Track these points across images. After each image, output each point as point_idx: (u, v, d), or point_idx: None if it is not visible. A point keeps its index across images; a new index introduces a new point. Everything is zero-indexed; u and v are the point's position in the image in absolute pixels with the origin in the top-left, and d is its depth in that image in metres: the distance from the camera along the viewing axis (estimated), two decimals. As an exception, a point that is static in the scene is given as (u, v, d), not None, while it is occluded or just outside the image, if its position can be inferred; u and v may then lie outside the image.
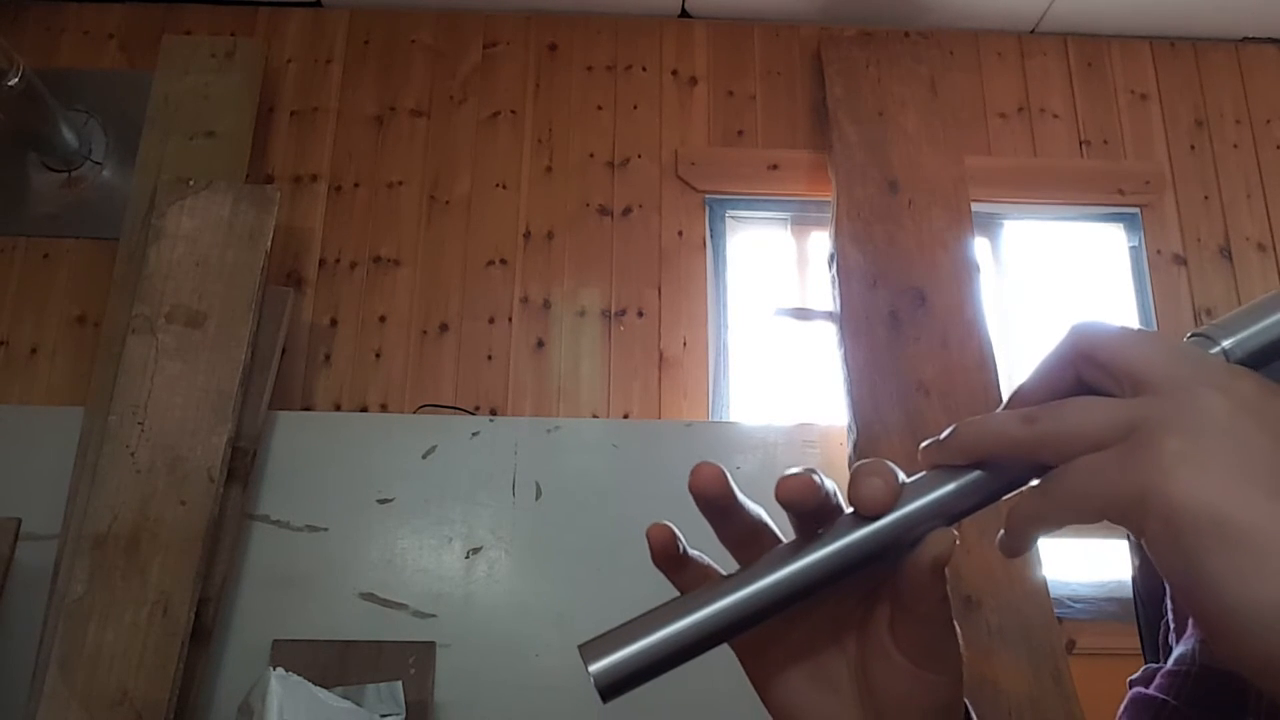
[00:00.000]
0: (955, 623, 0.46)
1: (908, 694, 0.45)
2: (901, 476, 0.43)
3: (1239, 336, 0.41)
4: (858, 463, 0.44)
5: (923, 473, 0.43)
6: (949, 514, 0.42)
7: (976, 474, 0.42)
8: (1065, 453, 0.38)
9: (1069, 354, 0.42)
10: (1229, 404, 0.36)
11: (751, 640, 0.47)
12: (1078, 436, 0.38)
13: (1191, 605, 0.35)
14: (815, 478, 0.43)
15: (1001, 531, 0.42)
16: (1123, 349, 0.40)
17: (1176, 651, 0.55)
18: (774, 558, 0.43)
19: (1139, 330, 0.41)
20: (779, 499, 0.43)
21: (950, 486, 0.42)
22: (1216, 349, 0.41)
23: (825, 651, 0.48)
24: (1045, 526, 0.40)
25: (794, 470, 0.43)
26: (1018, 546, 0.41)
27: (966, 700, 0.49)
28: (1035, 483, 0.41)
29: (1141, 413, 0.37)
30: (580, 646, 0.42)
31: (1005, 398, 0.45)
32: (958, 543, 0.43)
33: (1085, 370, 0.41)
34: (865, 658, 0.47)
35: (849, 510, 0.43)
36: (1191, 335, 0.43)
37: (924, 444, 0.43)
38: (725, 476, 0.44)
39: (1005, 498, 0.43)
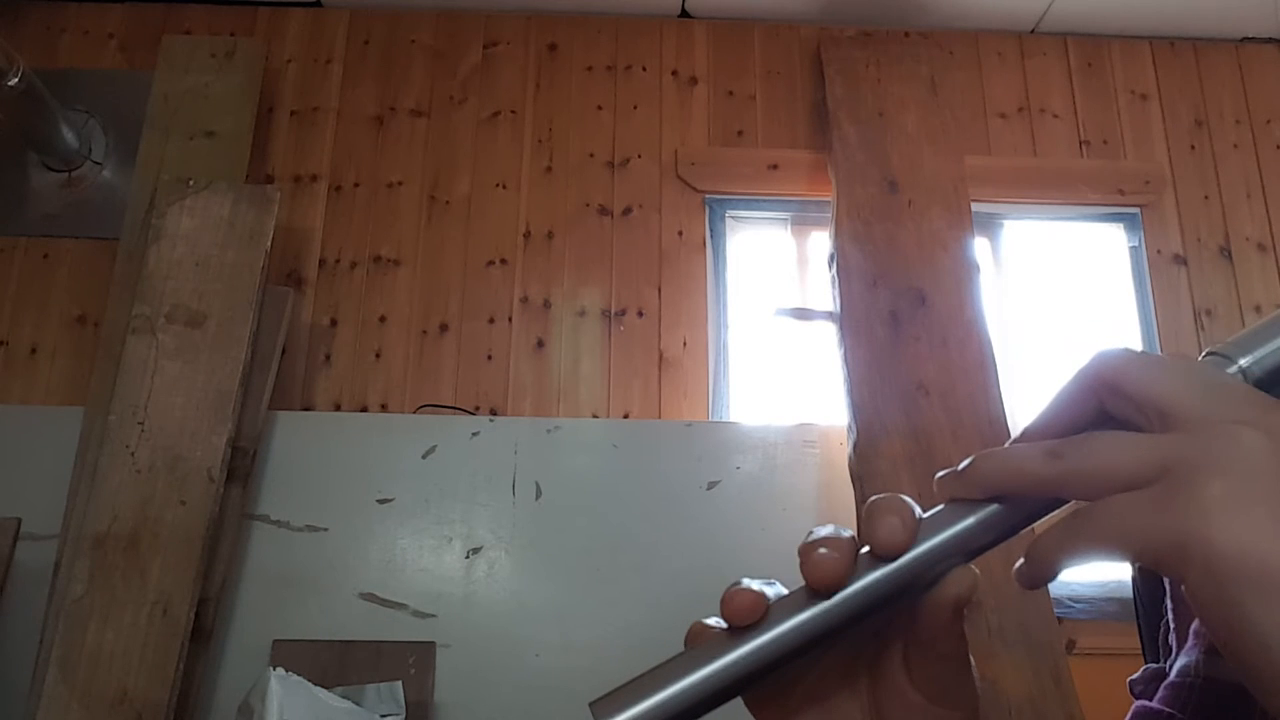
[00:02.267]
0: (971, 657, 0.45)
1: None
2: (918, 512, 0.41)
3: (1257, 355, 0.40)
4: (872, 499, 0.42)
5: (939, 507, 0.42)
6: (968, 550, 0.41)
7: (995, 508, 0.41)
8: (1094, 492, 0.37)
9: (1092, 382, 0.40)
10: (1267, 442, 0.35)
11: (761, 688, 0.46)
12: (1108, 476, 0.36)
13: (1235, 654, 0.34)
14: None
15: (1020, 562, 0.40)
16: (1151, 380, 0.38)
17: (1179, 663, 0.54)
18: (788, 604, 0.42)
19: (1165, 358, 0.39)
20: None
21: (969, 521, 0.41)
22: (1234, 368, 0.40)
23: (837, 694, 0.46)
24: (1071, 563, 0.38)
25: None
26: (1039, 580, 0.39)
27: None
28: (1059, 512, 0.40)
29: (1176, 452, 0.35)
30: (591, 704, 0.40)
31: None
32: (980, 583, 0.41)
33: (1109, 400, 0.39)
34: (879, 697, 0.45)
35: (864, 550, 0.41)
36: (1207, 354, 0.41)
37: (940, 474, 0.42)
38: (762, 601, 0.42)
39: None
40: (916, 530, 0.41)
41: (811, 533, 0.42)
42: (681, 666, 0.41)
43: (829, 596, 0.41)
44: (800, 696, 0.46)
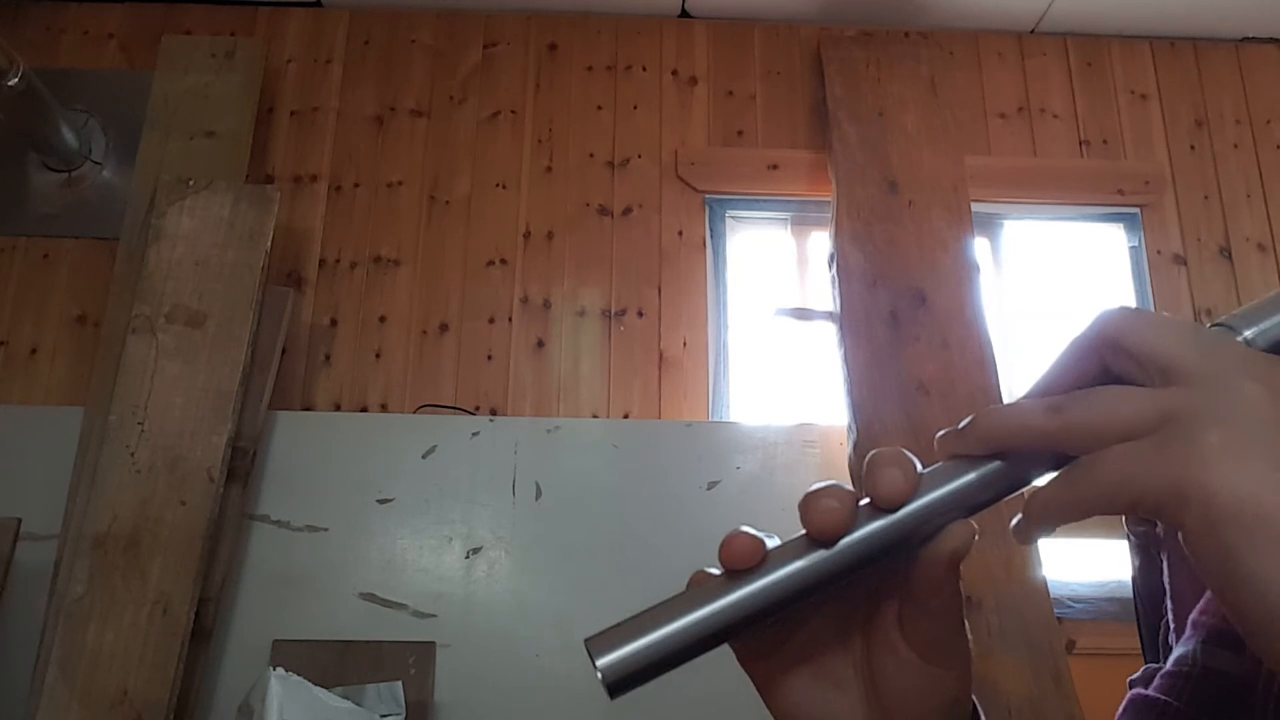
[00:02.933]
0: (965, 617, 0.45)
1: (917, 690, 0.44)
2: (919, 466, 0.42)
3: (1261, 326, 0.41)
4: (873, 451, 0.42)
5: (940, 463, 0.42)
6: (968, 506, 0.41)
7: (997, 464, 0.41)
8: (1094, 443, 0.37)
9: (1095, 341, 0.40)
10: (1268, 394, 0.35)
11: (754, 643, 0.46)
12: (1108, 426, 0.37)
13: (1230, 602, 0.34)
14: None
15: (1018, 517, 0.40)
16: (1153, 336, 0.38)
17: (1176, 652, 0.54)
18: (787, 551, 0.42)
19: (1167, 317, 0.40)
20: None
21: (970, 477, 0.41)
22: (1239, 339, 0.41)
23: (830, 651, 0.47)
24: (1069, 516, 0.38)
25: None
26: (1035, 534, 0.40)
27: (974, 697, 0.48)
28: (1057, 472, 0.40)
29: (1176, 403, 0.36)
30: (586, 641, 0.41)
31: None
32: (977, 536, 0.42)
33: (1112, 358, 0.40)
34: (872, 655, 0.46)
35: (865, 501, 0.42)
36: (1213, 325, 0.42)
37: (941, 433, 0.42)
38: (761, 546, 0.42)
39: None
40: (918, 483, 0.41)
41: (813, 486, 0.42)
42: (678, 607, 0.41)
43: (829, 546, 0.41)
44: (793, 653, 0.47)
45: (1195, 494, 0.34)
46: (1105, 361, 0.40)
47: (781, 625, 0.45)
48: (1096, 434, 0.37)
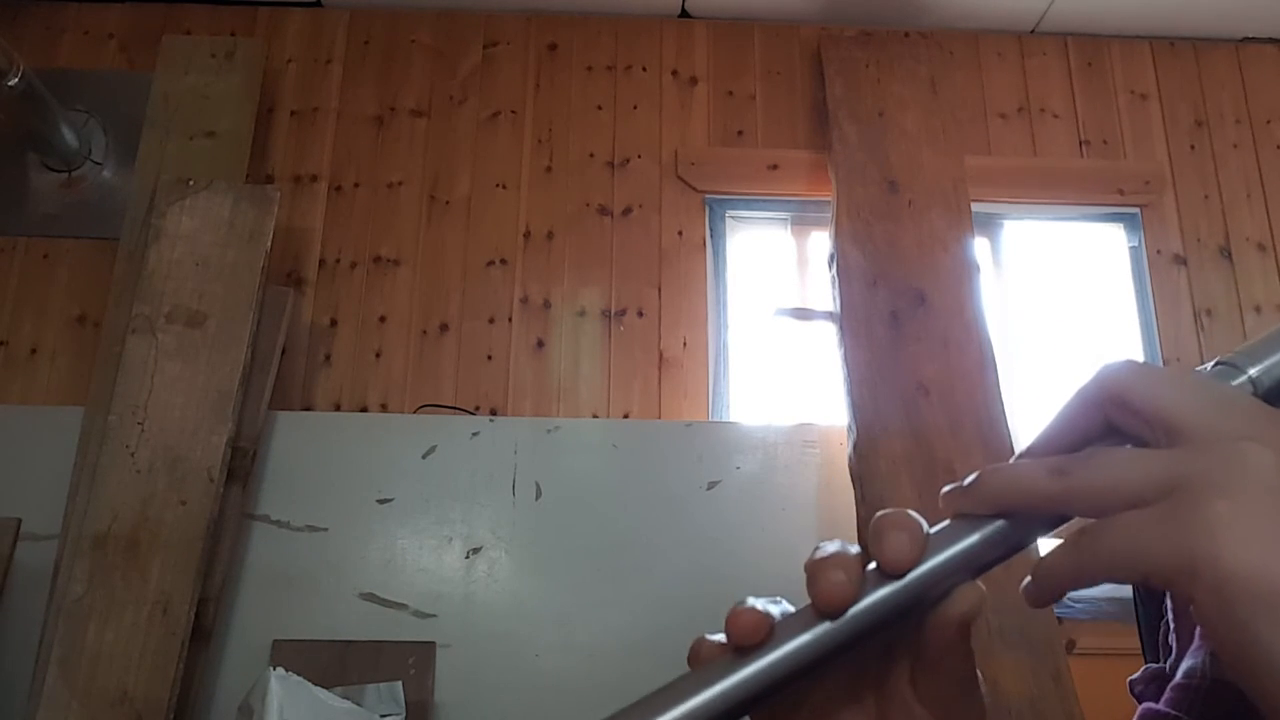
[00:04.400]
0: (979, 672, 0.44)
1: None
2: (925, 527, 0.41)
3: (1265, 364, 0.40)
4: (879, 514, 0.42)
5: (945, 522, 0.42)
6: (974, 567, 0.41)
7: (1001, 524, 0.40)
8: (1100, 509, 0.36)
9: (1098, 396, 0.39)
10: (1276, 460, 0.34)
11: (766, 706, 0.45)
12: (1113, 492, 0.36)
13: (1244, 674, 0.34)
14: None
15: (1028, 579, 0.40)
16: (1158, 394, 0.37)
17: (1185, 665, 0.54)
18: (794, 623, 0.41)
19: (1171, 371, 0.39)
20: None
21: (974, 538, 0.41)
22: (1243, 378, 0.40)
23: (844, 712, 0.46)
24: (1078, 584, 0.38)
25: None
26: (1046, 599, 0.39)
27: None
28: (1068, 529, 0.39)
29: (1183, 469, 0.35)
30: None
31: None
32: (986, 600, 0.41)
33: (1115, 415, 0.39)
34: (886, 714, 0.45)
35: (872, 565, 0.41)
36: (1216, 364, 0.41)
37: (946, 489, 0.42)
38: (767, 621, 0.41)
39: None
40: (925, 547, 0.40)
41: (818, 549, 0.41)
42: (687, 688, 0.40)
43: (835, 618, 0.40)
44: (806, 715, 0.46)
45: (1205, 569, 0.33)
46: (1109, 417, 0.39)
47: (794, 689, 0.44)
48: (1102, 500, 0.36)
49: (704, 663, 0.42)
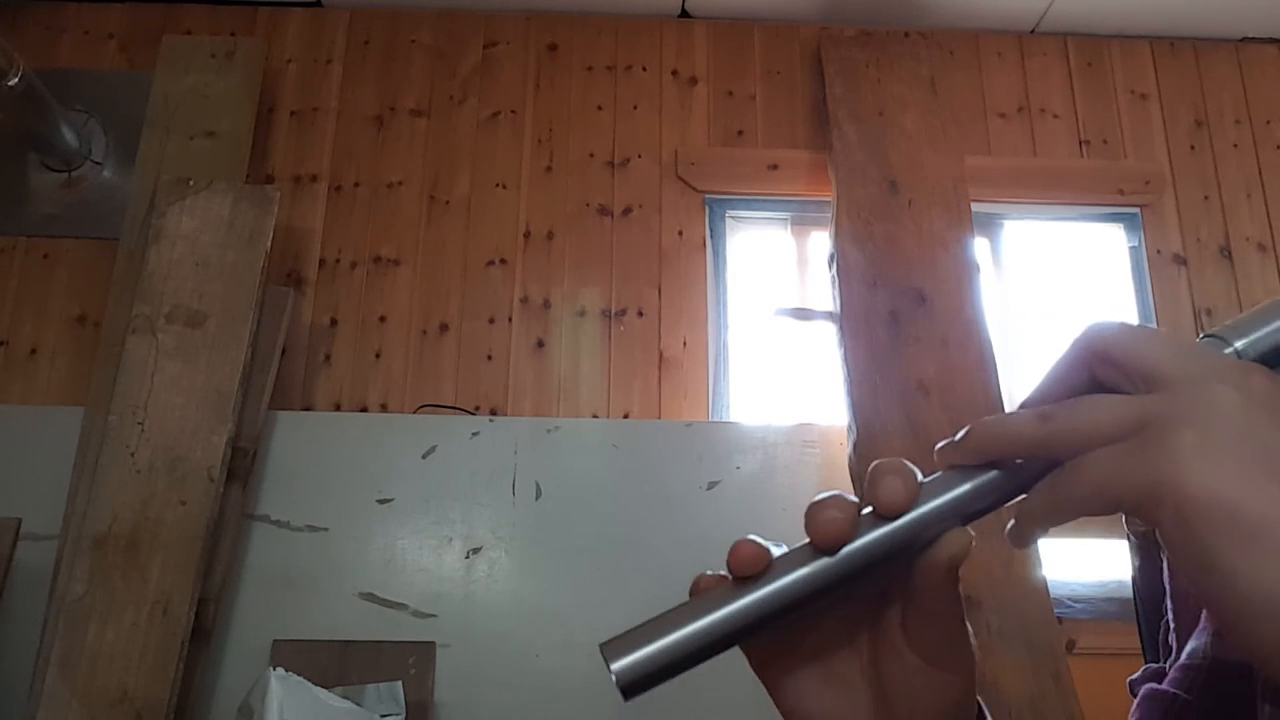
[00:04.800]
0: (967, 620, 0.46)
1: (921, 692, 0.46)
2: (919, 475, 0.43)
3: (1251, 338, 0.42)
4: (875, 461, 0.44)
5: (938, 473, 0.44)
6: (965, 514, 0.43)
7: (992, 474, 0.43)
8: (1079, 448, 0.39)
9: (1083, 353, 0.42)
10: (1241, 398, 0.37)
11: (764, 644, 0.48)
12: (1091, 432, 0.39)
13: (1205, 595, 0.36)
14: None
15: (1011, 522, 0.42)
16: (1136, 346, 0.40)
17: (1190, 646, 0.55)
18: (791, 559, 0.44)
19: (1152, 328, 0.41)
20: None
21: (966, 486, 0.43)
22: (1229, 350, 0.42)
23: (838, 653, 0.48)
24: (1057, 519, 0.40)
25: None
26: (1027, 538, 0.42)
27: (980, 699, 0.49)
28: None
29: (1155, 408, 0.38)
30: (602, 645, 0.43)
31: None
32: (974, 543, 0.43)
33: (1099, 369, 0.41)
34: (878, 657, 0.47)
35: (867, 509, 0.43)
36: (1204, 336, 0.43)
37: (940, 445, 0.44)
38: (766, 554, 0.44)
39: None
40: (917, 492, 0.43)
41: (818, 496, 0.44)
42: (688, 612, 0.43)
43: (831, 553, 0.43)
44: (803, 656, 0.48)
45: (1169, 493, 0.36)
46: (1094, 372, 0.42)
47: (790, 629, 0.47)
48: (1081, 439, 0.39)
49: (704, 593, 0.44)
